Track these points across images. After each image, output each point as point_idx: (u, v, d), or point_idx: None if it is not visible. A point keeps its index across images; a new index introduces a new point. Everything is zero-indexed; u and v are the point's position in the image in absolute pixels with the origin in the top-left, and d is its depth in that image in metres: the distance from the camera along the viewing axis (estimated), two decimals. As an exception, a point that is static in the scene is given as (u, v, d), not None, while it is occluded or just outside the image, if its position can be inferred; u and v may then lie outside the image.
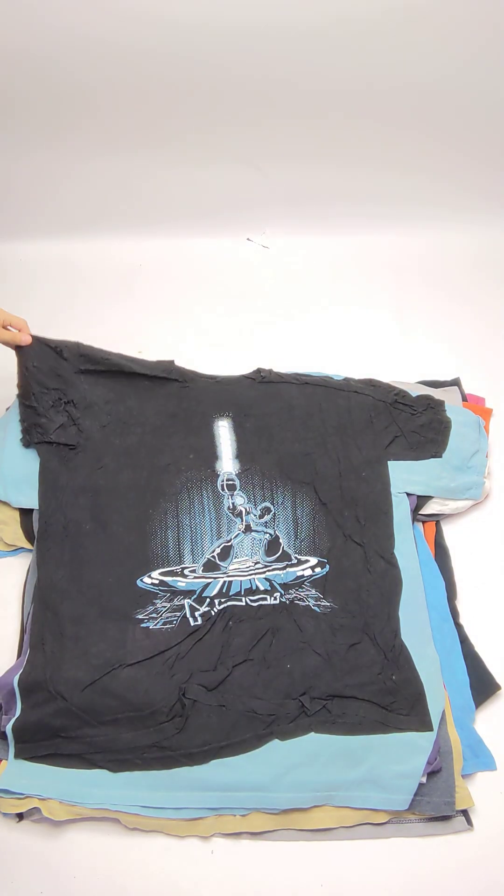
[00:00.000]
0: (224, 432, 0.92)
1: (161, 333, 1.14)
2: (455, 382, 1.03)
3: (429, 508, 0.90)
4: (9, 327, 0.89)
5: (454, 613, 0.84)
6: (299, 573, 0.83)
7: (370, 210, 1.23)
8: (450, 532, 0.91)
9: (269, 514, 0.87)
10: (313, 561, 0.84)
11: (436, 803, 0.70)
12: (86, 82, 1.08)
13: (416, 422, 0.93)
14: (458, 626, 0.83)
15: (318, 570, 0.84)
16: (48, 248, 1.26)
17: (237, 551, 0.85)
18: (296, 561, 0.84)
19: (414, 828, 0.71)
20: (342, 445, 0.91)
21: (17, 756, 0.73)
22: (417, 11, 0.99)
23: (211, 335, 1.14)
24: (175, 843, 0.71)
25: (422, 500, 0.90)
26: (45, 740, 0.73)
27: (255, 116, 1.12)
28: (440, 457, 0.91)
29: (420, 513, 0.90)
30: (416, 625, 0.80)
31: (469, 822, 0.71)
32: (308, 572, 0.84)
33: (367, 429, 0.92)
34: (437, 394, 1.00)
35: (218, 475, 0.89)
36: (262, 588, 0.82)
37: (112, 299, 1.19)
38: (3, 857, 0.71)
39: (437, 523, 0.92)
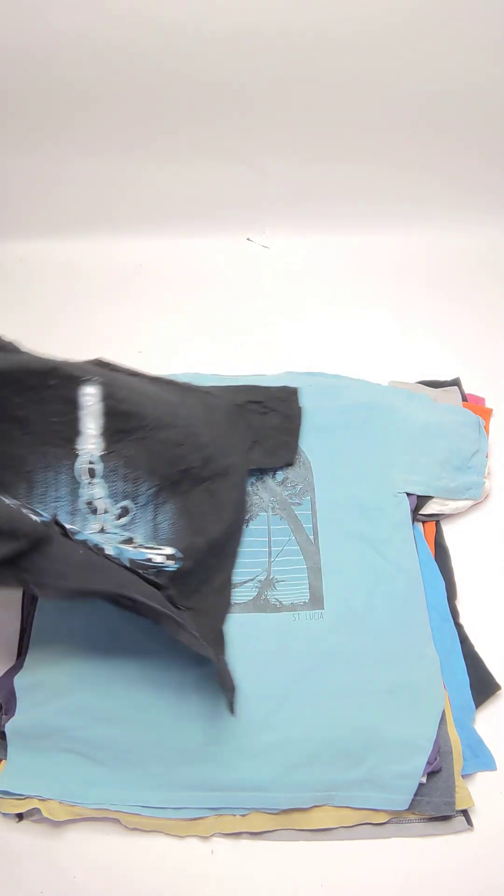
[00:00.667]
0: (91, 400, 0.78)
1: (161, 333, 1.14)
2: (455, 382, 1.03)
3: (429, 508, 0.90)
4: None
5: (454, 613, 0.84)
6: (149, 556, 0.76)
7: (370, 210, 1.23)
8: (450, 532, 0.91)
9: (126, 515, 0.79)
10: (169, 550, 0.77)
11: (436, 803, 0.70)
12: (86, 82, 1.08)
13: (268, 423, 0.90)
14: (458, 626, 0.83)
15: (170, 562, 0.76)
16: (48, 247, 1.26)
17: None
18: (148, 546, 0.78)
19: (414, 828, 0.71)
20: (210, 443, 0.83)
21: (16, 754, 0.73)
22: (418, 11, 0.99)
23: (211, 335, 1.14)
24: (175, 843, 0.71)
25: (422, 500, 0.90)
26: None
27: (255, 116, 1.12)
28: (293, 463, 0.90)
29: (420, 513, 0.90)
30: (416, 625, 0.80)
31: (469, 822, 0.71)
32: (160, 559, 0.76)
33: (230, 431, 0.86)
34: (437, 394, 1.00)
35: (77, 455, 0.78)
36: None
37: (112, 299, 1.19)
38: (3, 857, 0.71)
39: (437, 523, 0.92)
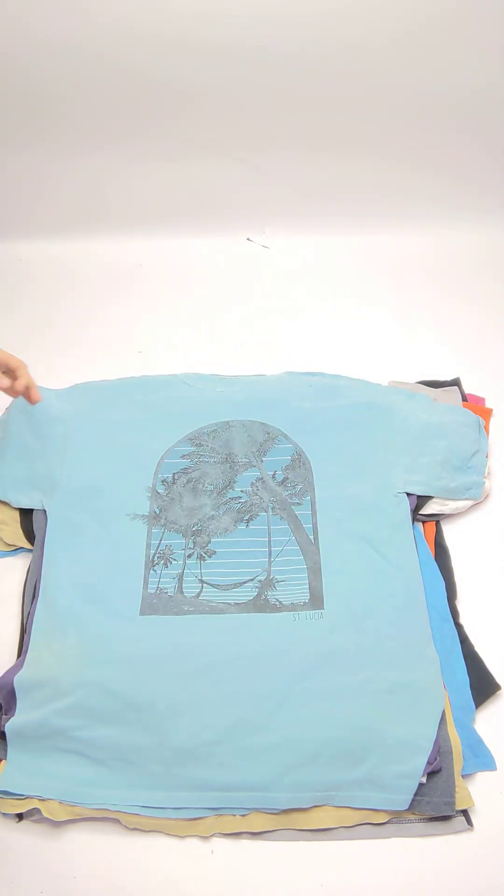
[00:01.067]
0: None
1: (160, 334, 1.14)
2: (455, 382, 1.03)
3: (429, 508, 0.90)
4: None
5: (454, 613, 0.84)
6: None
7: (370, 210, 1.23)
8: (450, 532, 0.91)
9: None
10: None
11: (436, 803, 0.70)
12: (86, 82, 1.08)
13: None
14: (458, 626, 0.83)
15: None
16: (47, 247, 1.26)
17: None
18: None
19: (414, 828, 0.71)
20: None
21: (16, 754, 0.73)
22: (421, 12, 0.99)
23: (211, 335, 1.14)
24: (175, 843, 0.71)
25: (422, 500, 0.90)
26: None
27: (255, 116, 1.12)
28: None
29: (420, 513, 0.90)
30: (416, 625, 0.80)
31: (469, 822, 0.71)
32: None
33: None
34: (437, 394, 1.00)
35: None
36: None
37: (111, 299, 1.19)
38: (3, 857, 0.71)
39: (437, 523, 0.92)
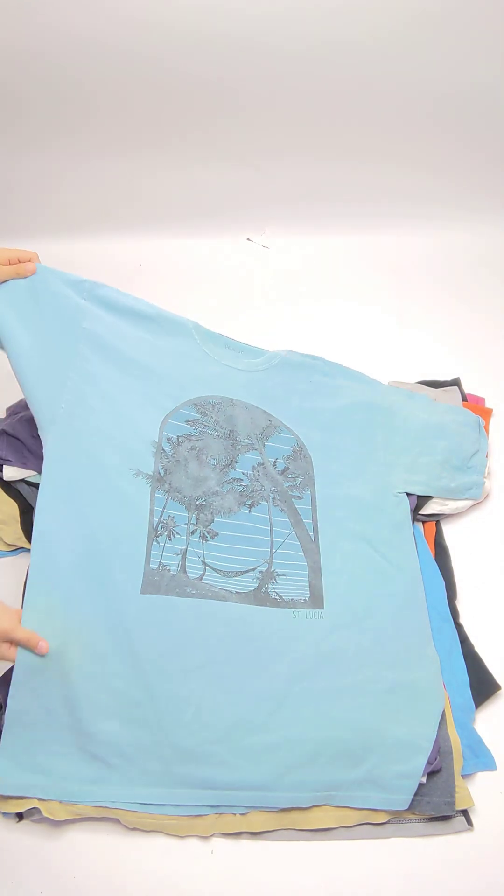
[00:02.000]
0: None
1: (161, 333, 1.14)
2: (455, 382, 1.03)
3: (429, 508, 0.90)
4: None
5: (454, 613, 0.84)
6: None
7: (370, 209, 1.23)
8: (450, 532, 0.91)
9: None
10: None
11: (436, 803, 0.70)
12: (87, 83, 1.08)
13: None
14: (458, 626, 0.83)
15: None
16: (47, 247, 1.25)
17: None
18: None
19: (414, 828, 0.71)
20: None
21: (12, 749, 0.71)
22: (419, 12, 0.99)
23: (211, 335, 1.14)
24: (175, 843, 0.71)
25: (422, 500, 0.90)
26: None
27: (255, 117, 1.12)
28: None
29: (420, 513, 0.90)
30: (416, 625, 0.80)
31: (469, 822, 0.71)
32: None
33: None
34: (437, 394, 1.00)
35: None
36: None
37: (112, 299, 1.19)
38: (3, 857, 0.71)
39: (437, 523, 0.92)
